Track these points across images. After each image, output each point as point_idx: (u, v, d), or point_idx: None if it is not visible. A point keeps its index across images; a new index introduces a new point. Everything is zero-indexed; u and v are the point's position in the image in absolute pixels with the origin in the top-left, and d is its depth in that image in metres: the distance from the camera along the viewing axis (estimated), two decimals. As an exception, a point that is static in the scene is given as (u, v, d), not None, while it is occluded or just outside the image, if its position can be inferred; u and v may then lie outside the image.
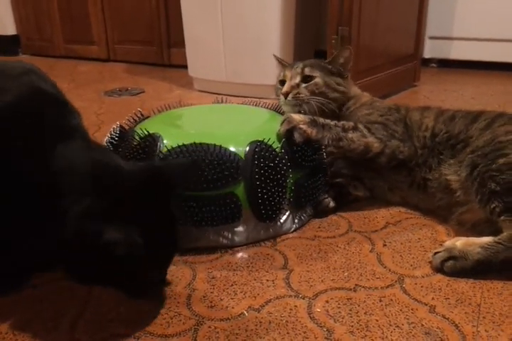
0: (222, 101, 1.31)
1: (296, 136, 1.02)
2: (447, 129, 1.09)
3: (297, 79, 1.20)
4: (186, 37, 2.33)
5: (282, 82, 1.23)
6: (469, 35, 2.57)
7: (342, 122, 1.08)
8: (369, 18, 1.85)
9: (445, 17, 2.58)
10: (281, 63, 1.33)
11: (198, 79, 2.39)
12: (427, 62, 2.68)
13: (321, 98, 1.17)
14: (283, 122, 1.03)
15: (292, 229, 1.05)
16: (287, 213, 1.05)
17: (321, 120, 1.06)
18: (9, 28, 3.66)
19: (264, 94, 2.11)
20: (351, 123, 1.08)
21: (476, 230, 0.99)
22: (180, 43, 2.47)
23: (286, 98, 1.18)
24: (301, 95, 1.18)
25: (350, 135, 1.05)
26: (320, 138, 1.04)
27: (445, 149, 1.07)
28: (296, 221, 1.06)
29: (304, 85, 1.19)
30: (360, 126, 1.08)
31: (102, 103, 2.23)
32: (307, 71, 1.20)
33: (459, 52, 2.63)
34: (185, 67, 2.42)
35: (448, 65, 2.69)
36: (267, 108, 1.23)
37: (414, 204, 1.14)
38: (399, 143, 1.08)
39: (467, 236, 0.94)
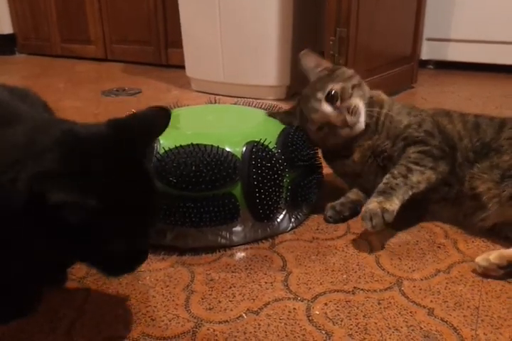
0: (215, 102, 1.31)
1: (380, 221, 0.94)
2: (479, 137, 1.05)
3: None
4: (184, 37, 2.32)
5: None
6: (466, 37, 2.58)
7: (394, 171, 1.01)
8: (367, 19, 1.85)
9: (442, 19, 2.58)
10: None
11: (195, 80, 2.39)
12: (424, 63, 2.69)
13: None
14: (366, 217, 0.95)
15: (289, 228, 1.06)
16: (284, 212, 1.05)
17: (387, 188, 0.98)
18: (5, 27, 3.65)
19: (262, 95, 2.12)
20: (403, 168, 1.01)
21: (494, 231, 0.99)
22: (178, 43, 2.46)
23: None
24: None
25: (414, 179, 0.99)
26: (398, 205, 0.96)
27: (480, 159, 1.02)
28: (292, 220, 1.07)
29: None
30: (411, 166, 1.01)
31: (99, 103, 2.22)
32: None
33: (456, 53, 2.63)
34: (183, 67, 2.41)
35: (445, 66, 2.70)
36: (262, 108, 1.23)
37: (438, 218, 1.09)
38: (444, 165, 1.02)
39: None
